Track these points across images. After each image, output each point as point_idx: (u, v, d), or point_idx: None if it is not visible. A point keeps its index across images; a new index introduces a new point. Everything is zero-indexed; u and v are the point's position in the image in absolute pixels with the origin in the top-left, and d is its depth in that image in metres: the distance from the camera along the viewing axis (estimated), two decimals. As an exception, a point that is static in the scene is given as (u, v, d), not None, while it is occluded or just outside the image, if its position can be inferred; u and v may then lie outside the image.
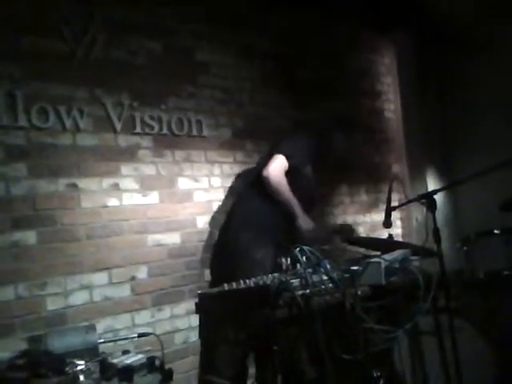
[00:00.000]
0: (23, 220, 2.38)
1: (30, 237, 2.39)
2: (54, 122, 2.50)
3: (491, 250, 3.02)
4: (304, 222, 2.85)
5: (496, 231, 3.03)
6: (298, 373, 2.50)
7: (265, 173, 2.81)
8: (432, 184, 4.46)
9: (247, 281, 2.02)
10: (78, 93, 2.60)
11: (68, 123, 2.54)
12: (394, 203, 2.73)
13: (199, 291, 2.03)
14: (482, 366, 2.52)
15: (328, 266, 1.98)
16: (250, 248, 2.79)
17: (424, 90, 4.52)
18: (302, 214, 2.86)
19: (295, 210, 2.85)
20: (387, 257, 2.17)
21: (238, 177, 3.27)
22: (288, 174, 2.86)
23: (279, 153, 2.86)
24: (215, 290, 2.01)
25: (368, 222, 4.18)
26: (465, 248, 3.08)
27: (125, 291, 2.69)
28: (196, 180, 3.07)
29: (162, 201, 2.89)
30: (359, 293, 1.99)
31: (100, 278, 2.60)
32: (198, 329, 2.11)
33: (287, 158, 2.85)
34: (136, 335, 2.50)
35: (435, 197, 2.26)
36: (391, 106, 4.60)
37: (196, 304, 2.02)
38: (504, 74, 4.34)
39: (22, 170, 2.40)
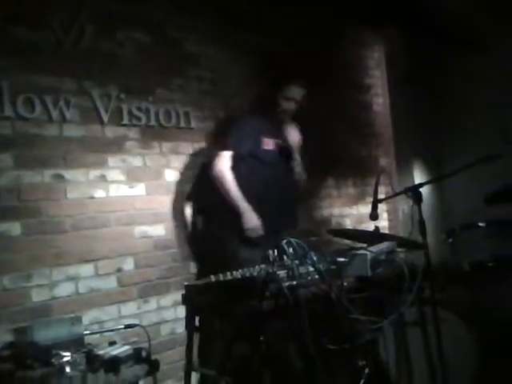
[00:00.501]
0: (8, 211, 2.36)
1: (14, 228, 2.37)
2: (41, 112, 2.48)
3: (476, 242, 3.06)
4: (248, 219, 2.79)
5: (481, 224, 3.06)
6: (285, 364, 2.52)
7: (211, 173, 2.86)
8: (419, 177, 4.50)
9: (234, 272, 2.03)
10: (64, 83, 2.57)
11: (54, 114, 2.52)
12: (381, 196, 2.74)
13: (186, 283, 2.04)
14: (465, 356, 2.55)
15: (314, 258, 1.98)
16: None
17: (412, 84, 4.54)
18: (248, 211, 2.80)
19: (240, 207, 2.80)
20: (373, 249, 2.19)
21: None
22: (241, 163, 2.88)
23: (220, 149, 2.88)
24: (202, 281, 2.01)
25: (355, 214, 4.21)
26: (450, 240, 3.11)
27: (111, 283, 2.68)
28: (183, 172, 3.07)
29: (149, 193, 2.89)
30: (345, 284, 2.01)
31: (86, 269, 2.59)
32: (184, 320, 2.11)
33: (230, 149, 2.86)
34: (122, 326, 2.50)
35: (421, 190, 2.28)
36: (379, 100, 4.62)
37: (183, 296, 2.02)
38: (493, 68, 4.38)
39: (7, 161, 2.38)
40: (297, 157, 3.09)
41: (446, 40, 4.39)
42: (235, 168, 2.87)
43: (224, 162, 2.84)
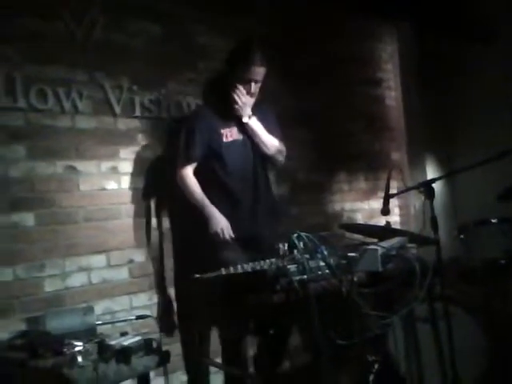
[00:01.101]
0: (21, 202, 2.38)
1: (28, 218, 2.39)
2: (53, 104, 2.50)
3: (488, 238, 3.04)
4: (213, 224, 2.56)
5: (493, 220, 3.04)
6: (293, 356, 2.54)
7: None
8: (431, 172, 4.47)
9: (244, 266, 2.03)
10: (77, 75, 2.58)
11: (67, 105, 2.53)
12: (393, 191, 2.73)
13: (196, 275, 2.04)
14: (475, 352, 2.55)
15: (325, 252, 1.98)
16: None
17: (425, 78, 4.50)
18: (213, 215, 2.57)
19: (204, 212, 2.58)
20: (384, 244, 2.18)
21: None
22: (204, 166, 2.66)
23: (178, 159, 2.66)
24: (212, 274, 2.02)
25: (366, 209, 4.19)
26: (462, 236, 3.09)
27: (123, 274, 2.70)
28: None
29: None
30: (355, 279, 2.00)
31: (98, 260, 2.61)
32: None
33: (183, 159, 2.64)
34: (134, 317, 2.53)
35: (433, 185, 2.27)
36: (392, 94, 4.58)
37: (193, 288, 2.03)
38: (506, 62, 4.33)
39: (20, 152, 2.40)
40: (269, 139, 2.76)
41: (459, 33, 4.34)
42: (200, 172, 2.66)
43: (184, 170, 2.63)
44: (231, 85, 2.66)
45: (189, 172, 2.64)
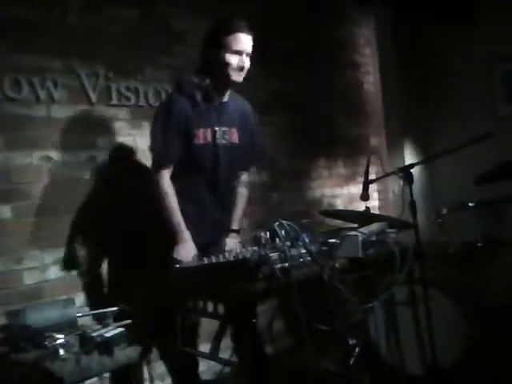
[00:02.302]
0: (-2, 194, 2.34)
1: (4, 211, 2.35)
2: (28, 93, 2.44)
3: (465, 222, 3.09)
4: (182, 251, 2.26)
5: (470, 204, 3.09)
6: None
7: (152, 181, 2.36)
8: (409, 157, 4.51)
9: (226, 254, 2.03)
10: (51, 63, 2.52)
11: (42, 94, 2.48)
12: (372, 176, 2.75)
13: (177, 265, 2.04)
14: (454, 335, 2.60)
15: (306, 240, 1.99)
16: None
17: (403, 63, 4.53)
18: (186, 243, 2.29)
19: (178, 234, 2.30)
20: (364, 230, 2.20)
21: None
22: (178, 169, 2.35)
23: (153, 163, 2.39)
24: (194, 263, 2.02)
25: (345, 194, 4.22)
26: (439, 220, 3.14)
27: (103, 265, 2.67)
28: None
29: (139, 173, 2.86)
30: (337, 265, 2.03)
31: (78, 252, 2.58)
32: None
33: (158, 161, 2.36)
34: (115, 308, 2.51)
35: (412, 170, 2.29)
36: (370, 79, 4.60)
37: (174, 278, 2.03)
38: (483, 48, 4.37)
39: (-4, 143, 2.34)
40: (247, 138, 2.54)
41: (436, 17, 4.35)
42: (176, 176, 2.36)
43: (161, 174, 2.32)
44: (217, 62, 2.31)
45: (167, 178, 2.32)
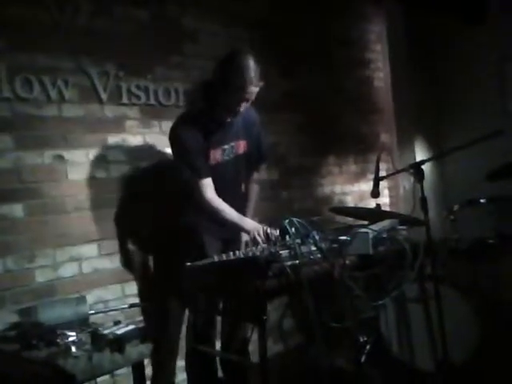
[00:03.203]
0: (10, 193, 2.35)
1: (16, 210, 2.37)
2: (39, 92, 2.46)
3: (477, 218, 3.07)
4: (251, 229, 2.31)
5: (482, 200, 3.06)
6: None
7: (199, 203, 2.44)
8: (420, 153, 4.48)
9: (237, 252, 2.04)
10: (62, 63, 2.54)
11: (53, 94, 2.49)
12: (382, 173, 2.74)
13: (188, 263, 2.05)
14: (466, 332, 2.59)
15: (317, 237, 1.99)
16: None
17: (414, 59, 4.49)
18: (248, 224, 2.37)
19: (242, 227, 2.39)
20: (375, 227, 2.20)
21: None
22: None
23: (196, 177, 2.43)
24: (205, 261, 2.02)
25: (356, 191, 4.21)
26: (451, 217, 3.12)
27: (114, 263, 2.69)
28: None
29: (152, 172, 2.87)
30: (347, 263, 2.02)
31: (89, 249, 2.60)
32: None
33: (204, 176, 2.42)
34: (127, 306, 2.53)
35: (423, 167, 2.28)
36: (381, 75, 4.57)
37: (185, 275, 2.03)
38: (495, 43, 4.32)
39: (7, 142, 2.36)
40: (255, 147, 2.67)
41: (448, 14, 4.32)
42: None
43: (208, 190, 2.42)
44: (224, 105, 2.42)
45: (214, 193, 2.42)
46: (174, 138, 2.50)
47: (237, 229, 2.42)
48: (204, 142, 2.44)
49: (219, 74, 2.37)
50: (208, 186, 2.42)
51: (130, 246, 2.75)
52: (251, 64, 2.32)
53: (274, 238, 2.03)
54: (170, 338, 2.72)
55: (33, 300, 2.35)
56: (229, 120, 2.49)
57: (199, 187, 2.41)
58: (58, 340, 2.02)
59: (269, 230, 2.22)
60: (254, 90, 2.36)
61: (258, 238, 2.20)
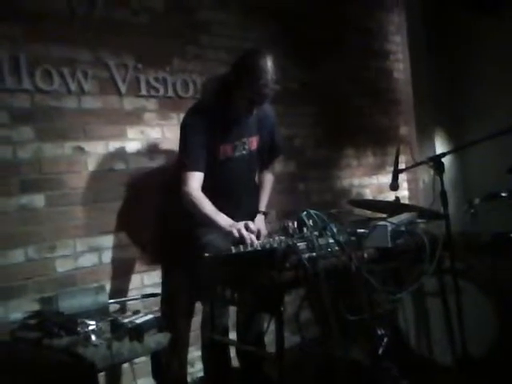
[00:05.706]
0: (30, 183, 2.39)
1: (38, 200, 2.41)
2: (59, 84, 2.48)
3: (497, 212, 3.02)
4: (225, 228, 2.25)
5: (503, 194, 3.01)
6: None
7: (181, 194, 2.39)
8: (440, 146, 4.43)
9: (254, 244, 2.04)
10: (81, 54, 2.56)
11: (72, 86, 2.52)
12: (402, 166, 2.71)
13: (206, 254, 2.06)
14: (484, 326, 2.56)
15: (334, 230, 1.98)
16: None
17: (434, 50, 4.43)
18: (224, 222, 2.28)
19: (216, 222, 2.30)
20: (394, 220, 2.18)
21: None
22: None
23: (183, 168, 2.39)
24: (222, 252, 2.03)
25: (375, 184, 4.18)
26: (471, 210, 3.08)
27: (133, 253, 2.72)
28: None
29: (169, 164, 2.88)
30: (365, 255, 2.01)
31: (108, 240, 2.63)
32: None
33: (191, 170, 2.37)
34: (146, 295, 2.55)
35: (443, 159, 2.25)
36: (400, 66, 4.52)
37: (203, 266, 2.05)
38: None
39: (28, 134, 2.39)
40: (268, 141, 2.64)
41: (468, 3, 4.24)
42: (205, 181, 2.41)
43: (190, 183, 2.36)
44: (237, 103, 2.38)
45: (196, 186, 2.36)
46: (180, 127, 2.49)
47: (211, 224, 2.32)
48: (212, 136, 2.40)
49: (235, 73, 2.34)
50: (193, 178, 2.36)
51: (147, 237, 2.77)
52: (268, 66, 2.25)
53: (291, 231, 2.02)
54: (180, 328, 2.74)
55: (54, 289, 2.39)
56: (241, 118, 2.46)
57: (184, 178, 2.37)
58: (79, 328, 2.06)
59: (251, 226, 2.18)
60: (269, 92, 2.31)
61: (244, 235, 2.11)
